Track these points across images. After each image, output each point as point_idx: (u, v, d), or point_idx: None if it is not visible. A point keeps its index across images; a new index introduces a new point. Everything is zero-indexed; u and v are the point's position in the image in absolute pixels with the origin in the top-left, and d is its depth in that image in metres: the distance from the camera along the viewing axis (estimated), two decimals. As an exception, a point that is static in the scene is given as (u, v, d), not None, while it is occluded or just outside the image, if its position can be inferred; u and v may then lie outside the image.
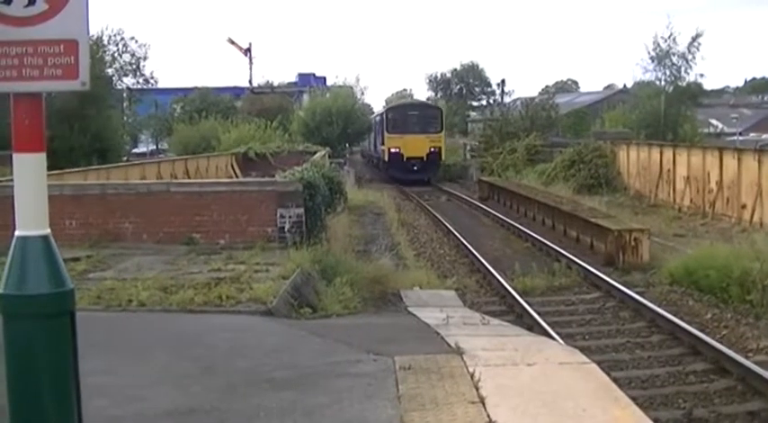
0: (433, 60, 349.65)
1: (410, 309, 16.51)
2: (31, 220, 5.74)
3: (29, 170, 5.77)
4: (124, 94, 61.75)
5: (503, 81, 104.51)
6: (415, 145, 69.02)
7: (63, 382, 5.81)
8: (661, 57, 60.84)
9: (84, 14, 5.89)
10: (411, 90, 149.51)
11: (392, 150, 69.54)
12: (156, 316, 13.76)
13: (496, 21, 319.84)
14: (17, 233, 5.72)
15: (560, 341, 15.49)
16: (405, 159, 69.11)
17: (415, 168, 68.99)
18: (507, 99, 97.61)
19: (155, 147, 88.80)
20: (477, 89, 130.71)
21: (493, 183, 53.19)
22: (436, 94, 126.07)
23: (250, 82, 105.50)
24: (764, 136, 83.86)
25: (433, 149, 69.76)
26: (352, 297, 16.33)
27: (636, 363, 16.03)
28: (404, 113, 72.98)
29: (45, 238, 5.75)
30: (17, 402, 5.74)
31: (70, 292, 5.83)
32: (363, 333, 13.47)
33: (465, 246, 30.38)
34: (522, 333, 14.58)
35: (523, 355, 11.26)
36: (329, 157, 48.61)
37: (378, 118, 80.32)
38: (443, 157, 71.44)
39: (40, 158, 5.82)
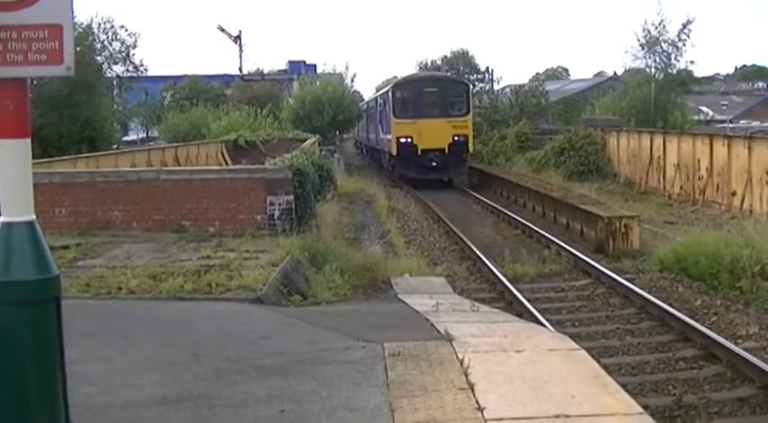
0: (423, 47, 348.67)
1: (400, 296, 16.47)
2: (16, 207, 5.72)
3: (13, 156, 5.75)
4: (114, 82, 61.42)
5: (487, 68, 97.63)
6: (434, 133, 51.44)
7: (48, 369, 5.80)
8: (651, 44, 60.74)
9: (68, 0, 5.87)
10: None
11: (401, 141, 52.17)
12: (146, 303, 13.73)
13: (487, 7, 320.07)
14: (2, 219, 5.70)
15: (550, 328, 15.50)
16: (419, 153, 51.79)
17: (434, 165, 51.87)
18: (496, 86, 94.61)
19: (145, 135, 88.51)
20: (467, 76, 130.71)
21: (483, 170, 53.48)
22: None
23: (240, 70, 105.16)
24: (755, 123, 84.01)
25: (457, 138, 51.93)
26: (342, 284, 16.32)
27: (625, 349, 16.03)
28: (417, 90, 54.72)
29: (30, 224, 5.73)
30: (2, 388, 5.72)
31: (55, 278, 5.81)
32: (353, 320, 13.47)
33: (455, 232, 30.39)
34: (512, 319, 14.56)
35: (513, 342, 11.25)
36: (319, 144, 48.53)
37: (379, 99, 63.44)
38: (471, 149, 53.68)
39: (24, 144, 5.80)
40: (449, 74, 69.16)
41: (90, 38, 51.72)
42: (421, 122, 51.99)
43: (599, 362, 11.06)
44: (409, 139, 51.96)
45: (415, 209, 38.74)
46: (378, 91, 76.57)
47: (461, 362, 9.90)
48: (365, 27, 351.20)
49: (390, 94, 55.36)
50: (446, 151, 51.81)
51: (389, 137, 54.35)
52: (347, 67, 77.29)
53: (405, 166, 53.18)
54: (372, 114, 69.35)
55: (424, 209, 38.66)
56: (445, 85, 56.35)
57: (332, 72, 75.67)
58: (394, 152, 53.28)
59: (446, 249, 27.91)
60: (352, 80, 73.89)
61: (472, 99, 59.47)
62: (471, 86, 60.51)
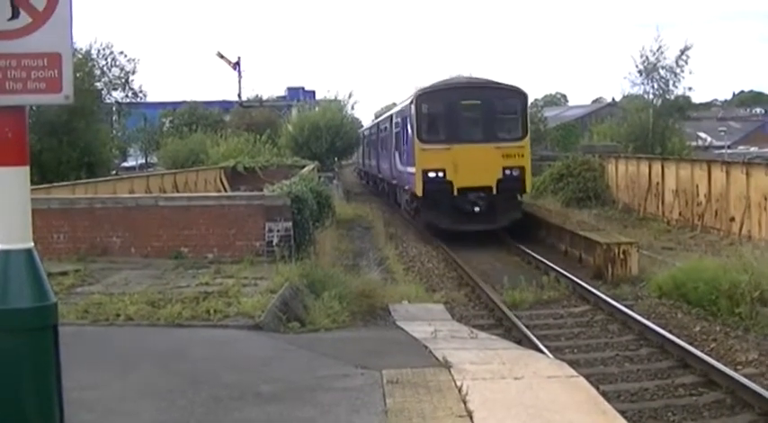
0: (421, 73, 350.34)
1: (398, 322, 16.47)
2: (14, 234, 5.73)
3: (12, 184, 5.77)
4: (113, 108, 61.47)
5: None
6: (477, 164, 36.41)
7: (46, 396, 5.80)
8: (649, 70, 60.73)
9: (67, 28, 5.90)
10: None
11: (430, 175, 36.93)
12: (144, 330, 13.71)
13: (485, 34, 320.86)
14: (0, 247, 5.71)
15: (549, 355, 15.49)
16: (455, 193, 36.56)
17: (477, 210, 36.49)
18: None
19: (144, 160, 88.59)
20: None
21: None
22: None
23: (239, 96, 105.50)
24: (752, 149, 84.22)
25: (509, 172, 37.08)
26: (341, 311, 16.29)
27: (625, 376, 16.00)
28: (452, 103, 38.16)
29: (28, 251, 5.74)
30: (0, 415, 5.72)
31: (53, 305, 5.82)
32: (351, 347, 13.44)
33: (453, 259, 30.36)
34: (511, 346, 14.56)
35: (511, 369, 11.25)
36: (318, 170, 48.56)
37: (395, 117, 46.49)
38: (529, 187, 38.91)
39: (23, 172, 5.82)
40: (496, 80, 41.97)
41: (89, 64, 51.75)
42: (458, 149, 36.27)
43: (598, 389, 11.09)
44: (441, 174, 36.28)
45: (413, 235, 38.68)
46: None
47: (460, 389, 9.89)
48: (364, 54, 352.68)
49: (413, 108, 37.91)
50: (494, 190, 36.26)
51: (411, 169, 38.05)
52: (350, 95, 77.20)
53: (434, 211, 37.07)
54: (384, 138, 52.67)
55: (421, 235, 38.61)
56: (491, 96, 38.37)
57: (331, 98, 75.73)
58: (418, 191, 36.89)
59: (444, 276, 27.90)
60: (353, 107, 74.04)
61: (529, 115, 43.31)
62: (527, 97, 40.75)
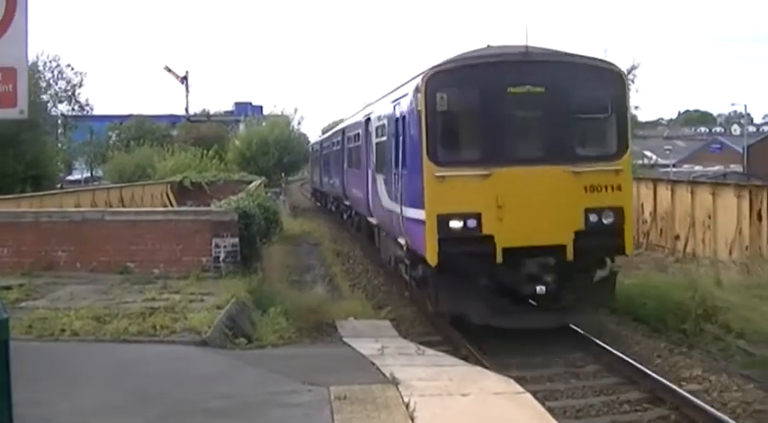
0: (370, 90, 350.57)
1: (345, 339, 16.49)
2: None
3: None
4: (59, 121, 61.20)
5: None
6: (538, 204, 18.95)
7: (-5, 413, 5.75)
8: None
9: (23, 43, 5.88)
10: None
11: (454, 225, 18.78)
12: (90, 346, 13.63)
13: (431, 51, 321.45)
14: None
15: (495, 372, 15.55)
16: (497, 257, 18.73)
17: (540, 290, 18.91)
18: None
19: (89, 174, 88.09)
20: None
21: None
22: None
23: (186, 110, 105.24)
24: (697, 167, 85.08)
25: (596, 218, 19.37)
26: (288, 327, 16.35)
27: (571, 392, 16.05)
28: (493, 91, 19.50)
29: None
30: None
31: (4, 321, 5.78)
32: (299, 363, 13.43)
33: (402, 276, 30.28)
34: (458, 363, 14.60)
35: (458, 385, 11.31)
36: (265, 186, 48.43)
37: (378, 120, 27.13)
38: (630, 245, 20.18)
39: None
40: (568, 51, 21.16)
41: (35, 76, 51.47)
42: (504, 177, 19.15)
43: (544, 405, 11.12)
44: (472, 223, 19.07)
45: (360, 252, 38.63)
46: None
47: (407, 405, 9.93)
48: (310, 70, 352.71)
49: (419, 101, 19.63)
50: (568, 254, 19.17)
51: (414, 213, 20.29)
52: (296, 111, 77.24)
53: (460, 292, 19.39)
54: (354, 153, 35.80)
55: (369, 252, 38.60)
56: (564, 79, 20.02)
57: (279, 114, 75.70)
58: (430, 255, 19.03)
59: (391, 293, 27.90)
60: (299, 123, 73.99)
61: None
62: (625, 78, 21.61)
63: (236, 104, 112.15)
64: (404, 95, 21.53)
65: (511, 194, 18.72)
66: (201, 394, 10.54)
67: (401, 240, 22.15)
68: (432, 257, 18.67)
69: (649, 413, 14.56)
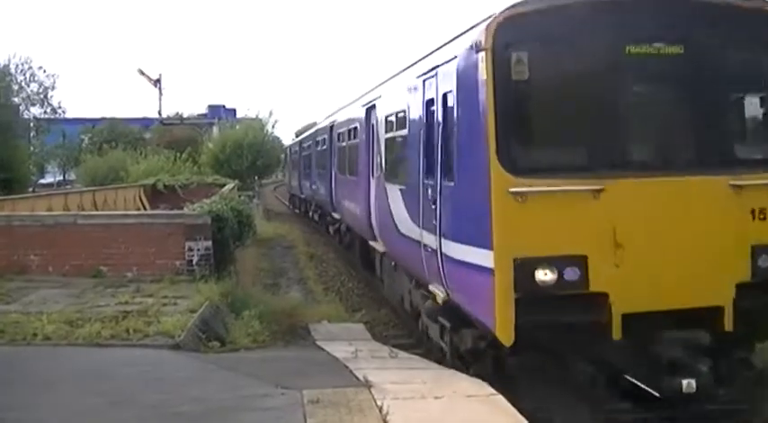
0: (344, 93, 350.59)
1: (319, 342, 16.47)
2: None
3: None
4: (31, 124, 60.95)
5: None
6: (679, 240, 11.42)
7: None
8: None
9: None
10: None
11: (543, 277, 11.12)
12: (62, 350, 13.58)
13: (405, 52, 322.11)
14: None
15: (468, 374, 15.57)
16: (616, 331, 11.18)
17: (687, 386, 11.01)
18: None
19: (62, 177, 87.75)
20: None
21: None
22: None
23: (159, 113, 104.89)
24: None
25: None
26: (261, 330, 16.28)
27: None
28: (602, 50, 11.82)
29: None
30: None
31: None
32: (272, 367, 13.43)
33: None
34: (432, 366, 14.60)
35: (432, 388, 11.34)
36: (239, 189, 48.36)
37: (398, 95, 17.77)
38: None
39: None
40: None
41: (7, 79, 51.26)
42: (622, 192, 11.36)
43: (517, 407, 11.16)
44: (573, 272, 11.21)
45: (333, 255, 38.61)
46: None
47: (380, 408, 9.96)
48: (287, 73, 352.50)
49: (475, 66, 11.78)
50: (725, 321, 11.51)
51: (469, 254, 12.10)
52: (270, 114, 76.96)
53: (550, 387, 11.99)
54: (349, 150, 27.33)
55: (342, 255, 38.59)
56: (718, 31, 12.12)
57: (253, 117, 75.55)
58: (504, 330, 11.14)
59: (365, 296, 27.91)
60: (273, 126, 73.75)
61: None
62: None
63: (210, 107, 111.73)
64: (445, 62, 13.62)
65: (635, 224, 11.45)
66: (174, 398, 10.54)
67: (437, 290, 14.12)
68: (504, 332, 11.17)
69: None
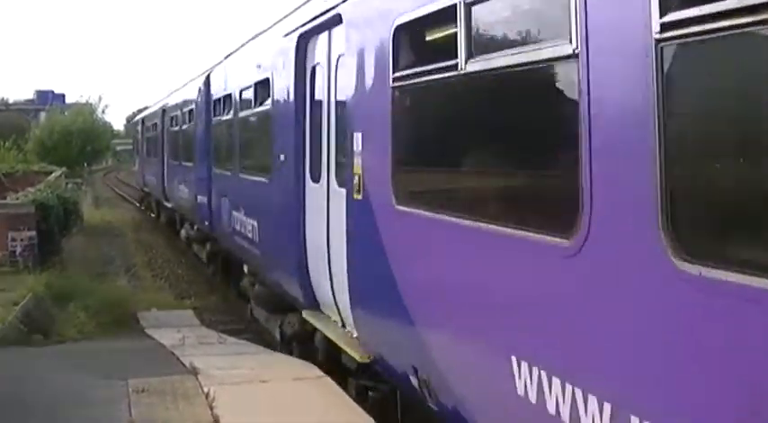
0: (178, 76, 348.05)
1: (147, 330, 16.37)
2: None
3: None
4: None
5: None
6: None
7: None
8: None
9: None
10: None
11: None
12: None
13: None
14: None
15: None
16: None
17: None
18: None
19: None
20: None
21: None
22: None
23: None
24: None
25: None
26: (88, 321, 16.07)
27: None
28: None
29: None
30: None
31: None
32: (97, 357, 13.31)
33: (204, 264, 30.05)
34: (260, 351, 14.64)
35: (259, 373, 11.39)
36: (66, 176, 47.46)
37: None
38: None
39: None
40: None
41: None
42: None
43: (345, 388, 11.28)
44: None
45: (163, 242, 38.21)
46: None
47: (207, 395, 9.96)
48: (117, 56, 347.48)
49: None
50: None
51: None
52: (100, 99, 75.50)
53: None
54: (279, 131, 13.29)
55: (172, 242, 38.24)
56: None
57: (85, 102, 74.15)
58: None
59: (194, 282, 27.72)
60: (104, 111, 72.52)
61: None
62: None
63: (38, 92, 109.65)
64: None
65: None
66: (-7, 394, 10.35)
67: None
68: None
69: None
